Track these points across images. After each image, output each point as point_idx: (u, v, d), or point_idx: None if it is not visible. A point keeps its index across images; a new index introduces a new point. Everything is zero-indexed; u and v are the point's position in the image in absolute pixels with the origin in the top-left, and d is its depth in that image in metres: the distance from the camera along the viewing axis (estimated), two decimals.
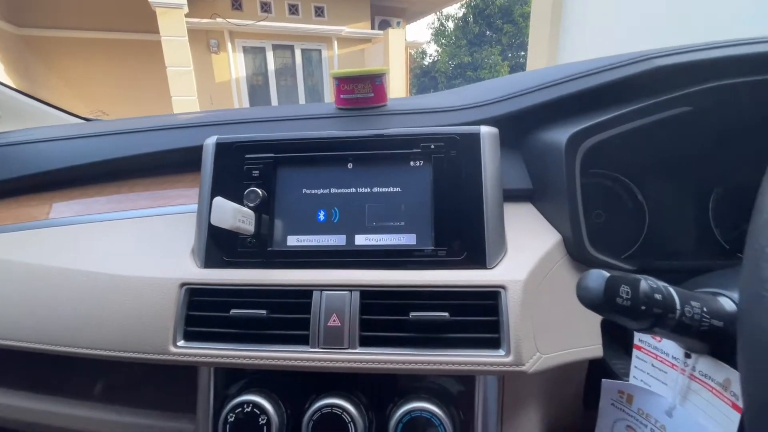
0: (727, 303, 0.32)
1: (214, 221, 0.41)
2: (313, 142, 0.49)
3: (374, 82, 0.57)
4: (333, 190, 0.48)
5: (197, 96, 5.49)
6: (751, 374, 0.18)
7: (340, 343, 0.41)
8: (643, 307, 0.28)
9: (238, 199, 0.46)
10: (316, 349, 0.42)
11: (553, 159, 0.45)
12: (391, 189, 0.47)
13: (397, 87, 7.12)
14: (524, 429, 0.46)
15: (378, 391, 0.43)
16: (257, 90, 7.48)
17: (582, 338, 0.44)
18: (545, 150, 0.47)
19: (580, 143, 0.44)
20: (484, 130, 0.47)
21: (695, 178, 0.59)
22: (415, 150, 0.47)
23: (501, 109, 0.52)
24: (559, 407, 0.49)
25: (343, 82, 0.57)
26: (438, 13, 13.30)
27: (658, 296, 0.28)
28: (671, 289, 0.29)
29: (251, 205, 0.46)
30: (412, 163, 0.47)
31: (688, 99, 0.41)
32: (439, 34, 13.75)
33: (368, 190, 0.47)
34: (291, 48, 7.53)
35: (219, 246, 0.47)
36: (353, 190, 0.48)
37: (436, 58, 13.80)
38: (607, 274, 0.28)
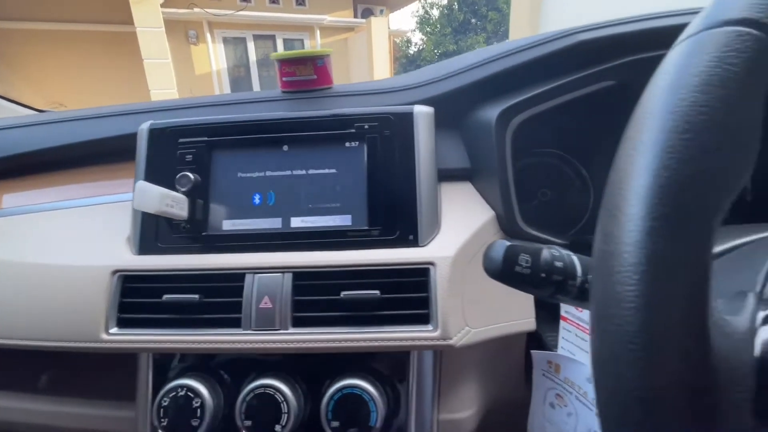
0: None
1: (137, 206, 0.40)
2: (247, 124, 0.48)
3: (316, 63, 0.57)
4: (268, 173, 0.47)
5: (177, 89, 5.38)
6: (592, 327, 0.18)
7: (272, 324, 0.42)
8: (543, 275, 0.28)
9: (172, 184, 0.46)
10: (249, 331, 0.42)
11: (485, 136, 0.46)
12: (326, 170, 0.47)
13: (381, 76, 7.06)
14: (463, 403, 0.47)
15: (315, 371, 0.44)
16: (239, 81, 7.35)
17: (515, 312, 0.45)
18: (479, 128, 0.48)
19: (510, 120, 0.44)
20: (418, 109, 0.47)
21: None
22: (349, 131, 0.47)
23: (438, 89, 0.52)
24: (499, 381, 0.50)
25: (284, 64, 0.57)
26: (422, 0, 13.18)
27: (558, 264, 0.29)
28: (574, 257, 0.30)
29: (183, 189, 0.45)
30: (347, 144, 0.47)
31: (610, 73, 0.42)
32: (423, 22, 13.63)
33: (304, 172, 0.47)
34: (272, 38, 7.40)
35: (154, 232, 0.46)
36: (289, 172, 0.47)
37: (421, 47, 13.71)
38: (508, 244, 0.28)
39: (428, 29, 13.50)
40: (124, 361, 0.47)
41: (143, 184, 0.40)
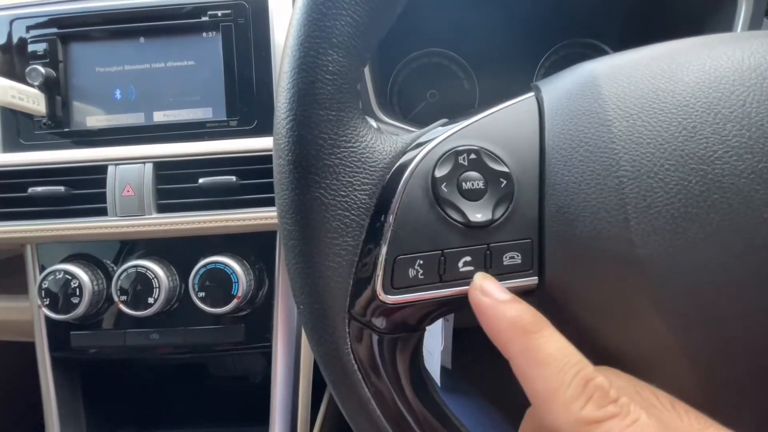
0: None
1: None
2: (98, 15, 0.46)
3: None
4: (127, 68, 0.47)
5: None
6: None
7: (136, 211, 0.44)
8: None
9: (25, 79, 0.45)
10: (114, 218, 0.44)
11: None
12: (185, 63, 0.47)
13: None
14: None
15: (187, 253, 0.47)
16: None
17: None
18: None
19: None
20: None
21: (523, 49, 0.61)
22: (203, 19, 0.46)
23: None
24: None
25: None
26: None
27: None
28: None
29: (35, 84, 0.45)
30: (204, 35, 0.47)
31: None
32: None
33: (163, 65, 0.47)
34: None
35: (15, 129, 0.47)
36: (147, 65, 0.47)
37: None
38: None
39: None
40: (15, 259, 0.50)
41: None
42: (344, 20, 0.18)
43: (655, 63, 0.20)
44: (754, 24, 0.43)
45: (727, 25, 0.43)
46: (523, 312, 0.17)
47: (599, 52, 0.62)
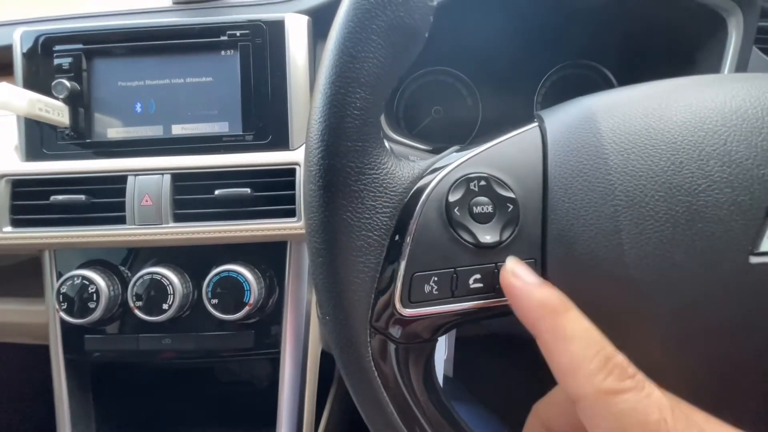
0: None
1: (3, 106, 0.42)
2: (124, 32, 0.49)
3: None
4: (148, 82, 0.49)
5: None
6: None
7: (154, 220, 0.46)
8: None
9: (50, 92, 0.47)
10: (133, 227, 0.46)
11: None
12: (203, 79, 0.49)
13: None
14: None
15: (201, 261, 0.49)
16: None
17: None
18: None
19: None
20: (290, 17, 0.48)
21: (525, 69, 0.64)
22: (222, 38, 0.48)
23: None
24: None
25: None
26: None
27: None
28: None
29: (60, 96, 0.47)
30: (222, 53, 0.49)
31: None
32: None
33: (182, 80, 0.49)
34: None
35: (38, 140, 0.49)
36: (167, 81, 0.49)
37: None
38: None
39: None
40: (31, 261, 0.51)
41: (8, 86, 0.42)
42: (371, 62, 0.20)
43: (648, 101, 0.22)
44: (744, 50, 0.46)
45: (718, 55, 0.46)
46: (551, 294, 0.19)
47: (597, 73, 0.65)
